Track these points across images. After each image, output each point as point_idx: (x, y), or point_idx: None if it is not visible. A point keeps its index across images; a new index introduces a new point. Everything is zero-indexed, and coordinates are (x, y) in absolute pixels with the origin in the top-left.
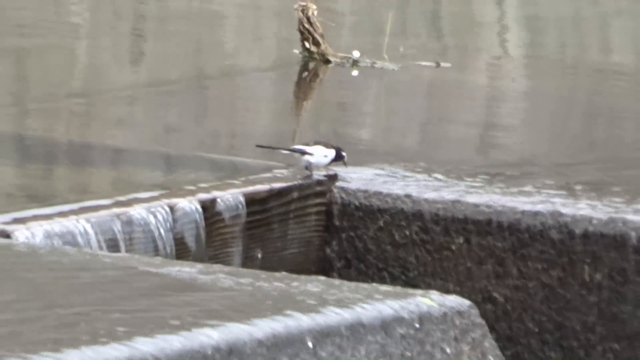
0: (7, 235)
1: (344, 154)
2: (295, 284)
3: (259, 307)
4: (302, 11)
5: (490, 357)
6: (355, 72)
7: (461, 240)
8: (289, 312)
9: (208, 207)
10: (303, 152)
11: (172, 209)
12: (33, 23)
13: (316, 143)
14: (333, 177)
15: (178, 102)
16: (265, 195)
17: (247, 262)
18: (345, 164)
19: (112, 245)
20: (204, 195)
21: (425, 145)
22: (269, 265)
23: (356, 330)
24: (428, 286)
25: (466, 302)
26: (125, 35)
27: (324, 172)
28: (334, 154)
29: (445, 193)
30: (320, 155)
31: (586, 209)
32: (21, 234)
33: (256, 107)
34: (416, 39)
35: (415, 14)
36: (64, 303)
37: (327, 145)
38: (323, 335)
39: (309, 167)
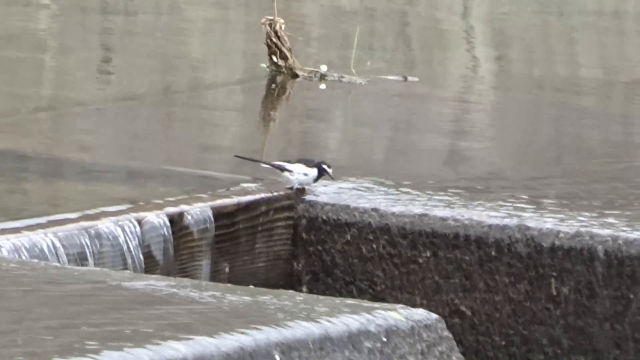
0: None
1: (327, 168)
2: (263, 297)
3: (227, 321)
4: (270, 25)
5: None
6: (322, 86)
7: (428, 253)
8: (256, 325)
9: (176, 220)
10: (283, 169)
11: (140, 222)
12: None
13: (298, 161)
14: (300, 191)
15: (146, 116)
16: (233, 209)
17: (215, 275)
18: (332, 177)
19: (81, 259)
20: (172, 209)
21: (393, 159)
22: (237, 279)
23: (324, 344)
24: (395, 300)
25: (433, 316)
26: (94, 49)
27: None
28: (315, 173)
29: (412, 207)
30: (300, 172)
31: (553, 223)
32: None
33: (224, 121)
34: (384, 53)
35: (382, 28)
36: (32, 317)
37: (308, 163)
38: (291, 349)
39: (289, 184)
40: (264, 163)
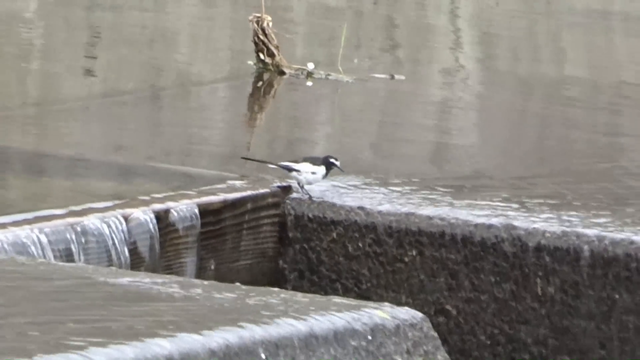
0: None
1: (335, 162)
2: (248, 295)
3: (212, 318)
4: (257, 22)
5: None
6: (309, 84)
7: (414, 252)
8: (241, 323)
9: (162, 217)
10: (290, 169)
11: (126, 219)
12: None
13: (305, 160)
14: (286, 189)
15: (132, 113)
16: (219, 206)
17: (201, 272)
18: (342, 170)
19: (66, 255)
20: (158, 206)
21: (379, 158)
22: (223, 276)
23: (309, 342)
24: (381, 298)
25: (419, 315)
26: (80, 46)
27: (320, 188)
28: (323, 171)
29: (398, 205)
30: (307, 172)
31: (540, 222)
32: None
33: (210, 118)
34: (370, 51)
35: (369, 26)
36: (18, 312)
37: (315, 161)
38: (276, 346)
39: (299, 183)
40: (271, 164)
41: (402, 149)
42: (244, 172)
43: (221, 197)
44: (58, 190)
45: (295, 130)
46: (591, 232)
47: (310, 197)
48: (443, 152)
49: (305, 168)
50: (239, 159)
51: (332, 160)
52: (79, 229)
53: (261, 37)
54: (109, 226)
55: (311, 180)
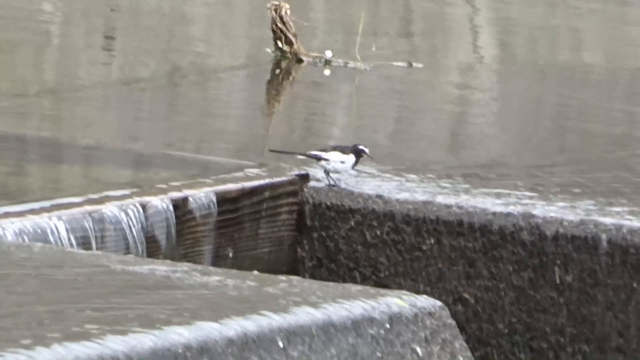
0: None
1: (365, 149)
2: (266, 283)
3: (230, 306)
4: (275, 10)
5: (461, 358)
6: (327, 72)
7: (432, 240)
8: (260, 311)
9: (180, 205)
10: (319, 158)
11: (144, 207)
12: (3, 19)
13: (333, 149)
14: (304, 177)
15: (150, 100)
16: (237, 194)
17: (219, 260)
18: (371, 157)
19: (84, 242)
20: (175, 194)
21: (397, 146)
22: (240, 264)
23: (327, 330)
24: (399, 286)
25: (437, 303)
26: (97, 33)
27: (349, 176)
28: (353, 159)
29: (416, 194)
30: (337, 160)
31: (557, 211)
32: None
33: (228, 106)
34: (388, 39)
35: (387, 14)
36: (35, 300)
37: (344, 150)
38: (294, 334)
39: (327, 172)
40: (300, 154)
41: (420, 137)
42: (261, 160)
43: (239, 185)
44: (75, 178)
45: (313, 118)
46: (609, 220)
47: (335, 186)
48: (461, 140)
49: (334, 157)
50: (256, 147)
51: (361, 147)
52: (96, 216)
53: (279, 24)
54: (126, 214)
55: (340, 169)
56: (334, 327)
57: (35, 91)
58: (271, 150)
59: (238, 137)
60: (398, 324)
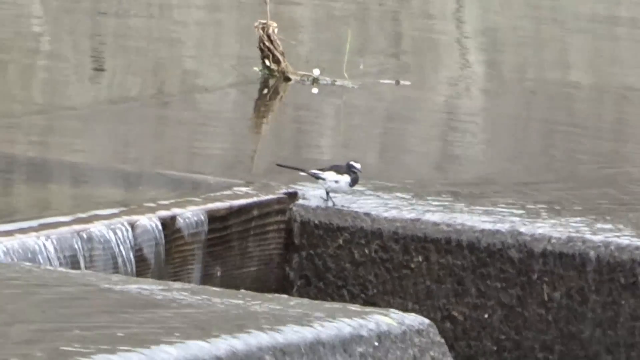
0: None
1: (354, 165)
2: (254, 301)
3: (218, 325)
4: (263, 29)
5: None
6: (315, 90)
7: (420, 258)
8: (248, 329)
9: (168, 224)
10: (317, 177)
11: (132, 226)
12: None
13: (330, 168)
14: (292, 195)
15: (138, 120)
16: (225, 212)
17: (207, 279)
18: (359, 171)
19: (72, 262)
20: (164, 213)
21: (385, 164)
22: (229, 282)
23: (315, 349)
24: (387, 304)
25: (425, 321)
26: (85, 52)
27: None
28: (347, 179)
29: (405, 211)
30: (331, 180)
31: (545, 228)
32: None
33: (216, 124)
34: (376, 56)
35: (375, 32)
36: (24, 319)
37: (339, 170)
38: (282, 353)
39: (326, 191)
40: (302, 171)
41: (408, 155)
42: (250, 178)
43: (227, 203)
44: (64, 197)
45: (301, 137)
46: (597, 237)
47: (333, 205)
48: (448, 158)
49: (330, 176)
50: (244, 166)
51: (352, 164)
52: (85, 235)
53: (267, 43)
54: (115, 233)
55: (335, 189)
56: (322, 346)
57: (23, 111)
58: (278, 165)
59: (226, 156)
60: (387, 342)
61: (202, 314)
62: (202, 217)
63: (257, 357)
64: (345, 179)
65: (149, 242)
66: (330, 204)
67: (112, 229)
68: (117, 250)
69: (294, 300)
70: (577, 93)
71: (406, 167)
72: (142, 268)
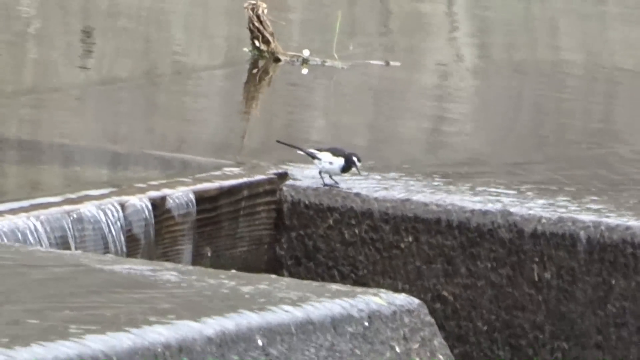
0: None
1: (356, 162)
2: (245, 282)
3: (209, 305)
4: (252, 9)
5: (440, 356)
6: (305, 71)
7: (410, 239)
8: (238, 310)
9: (158, 204)
10: (313, 156)
11: (122, 206)
12: None
13: (328, 149)
14: (283, 176)
15: (128, 100)
16: (216, 193)
17: (197, 259)
18: (358, 172)
19: (63, 242)
20: (154, 193)
21: (375, 144)
22: (219, 263)
23: (306, 329)
24: (377, 285)
25: (415, 301)
26: (75, 33)
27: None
28: (341, 162)
29: (395, 192)
30: (326, 161)
31: (536, 208)
32: None
33: (206, 105)
34: (366, 37)
35: (364, 12)
36: (14, 300)
37: (336, 152)
38: (273, 333)
39: (320, 171)
40: (299, 149)
41: (398, 136)
42: (239, 159)
43: (217, 184)
44: (54, 178)
45: (291, 117)
46: (587, 217)
47: (324, 185)
48: (438, 139)
49: (325, 157)
50: (234, 146)
51: (353, 158)
52: (75, 216)
53: (256, 24)
54: (105, 213)
55: (328, 170)
56: (312, 326)
57: (13, 92)
58: (278, 142)
59: (216, 136)
60: (377, 322)
61: (192, 294)
62: (192, 198)
63: (248, 337)
64: (339, 162)
65: (139, 223)
66: (325, 182)
67: (102, 210)
68: (107, 230)
69: (284, 281)
70: (567, 73)
71: (396, 148)
72: (132, 248)
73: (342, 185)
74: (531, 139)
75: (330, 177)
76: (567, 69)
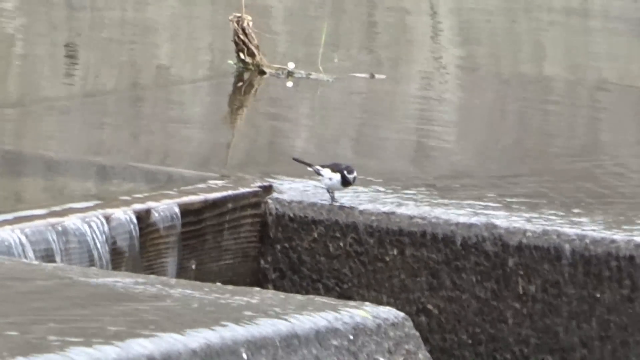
0: None
1: (347, 174)
2: (229, 295)
3: (193, 318)
4: (237, 22)
5: None
6: (290, 84)
7: (395, 252)
8: (223, 322)
9: (143, 217)
10: (317, 172)
11: (107, 219)
12: None
13: (329, 165)
14: (267, 189)
15: (112, 113)
16: (200, 206)
17: (182, 272)
18: (350, 183)
19: (47, 255)
20: (139, 206)
21: (360, 157)
22: (204, 276)
23: (290, 342)
24: (362, 298)
25: (400, 314)
26: (59, 45)
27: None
28: (338, 177)
29: (379, 205)
30: (326, 177)
31: (520, 221)
32: None
33: (191, 118)
34: (351, 50)
35: (349, 25)
36: None
37: (334, 168)
38: (257, 346)
39: (327, 188)
40: (309, 166)
41: (383, 148)
42: (224, 172)
43: (202, 197)
44: (38, 191)
45: (276, 130)
46: (572, 230)
47: (331, 201)
48: (423, 151)
49: (326, 174)
50: (219, 159)
51: (345, 172)
52: (59, 229)
53: (241, 36)
54: (89, 226)
55: (330, 186)
56: (297, 339)
57: None
58: (294, 159)
59: (201, 149)
60: (361, 335)
61: (177, 307)
62: (177, 211)
63: (232, 350)
64: (337, 177)
65: (124, 235)
66: (331, 199)
67: (87, 222)
68: (92, 243)
69: (269, 294)
70: (552, 86)
71: (381, 161)
72: (117, 261)
73: (344, 201)
74: (516, 152)
75: (331, 192)
76: (552, 81)
